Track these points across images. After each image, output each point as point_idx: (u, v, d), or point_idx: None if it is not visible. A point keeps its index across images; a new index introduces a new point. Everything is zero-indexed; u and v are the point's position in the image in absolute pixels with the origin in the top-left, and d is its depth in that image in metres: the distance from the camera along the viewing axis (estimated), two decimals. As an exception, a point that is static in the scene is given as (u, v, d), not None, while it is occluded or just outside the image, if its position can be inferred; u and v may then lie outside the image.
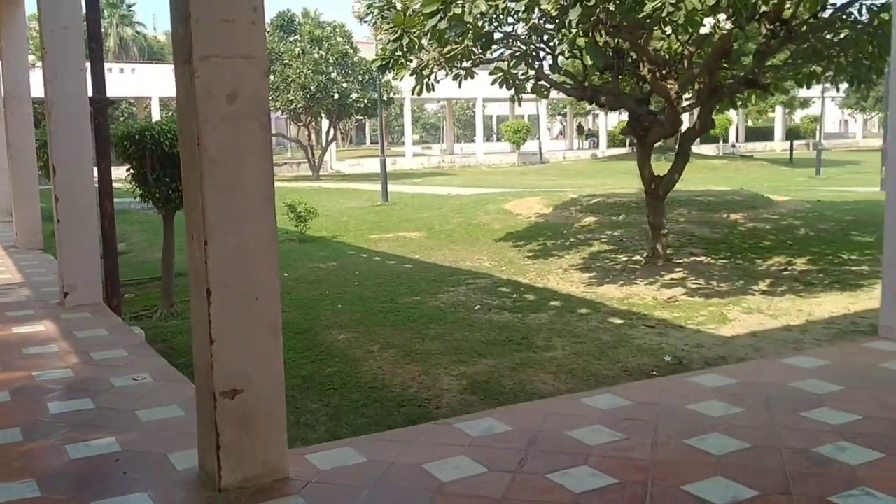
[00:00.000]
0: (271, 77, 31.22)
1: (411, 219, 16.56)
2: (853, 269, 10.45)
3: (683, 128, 11.12)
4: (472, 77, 11.32)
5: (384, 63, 10.38)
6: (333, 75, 30.44)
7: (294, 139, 40.12)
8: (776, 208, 15.09)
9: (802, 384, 4.32)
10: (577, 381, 6.26)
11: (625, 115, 39.85)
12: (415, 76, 10.31)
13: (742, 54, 10.24)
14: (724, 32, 9.05)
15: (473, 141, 50.70)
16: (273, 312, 3.11)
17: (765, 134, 55.32)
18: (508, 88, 11.19)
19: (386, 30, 9.63)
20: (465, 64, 10.75)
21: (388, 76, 11.62)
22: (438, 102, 63.25)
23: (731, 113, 45.01)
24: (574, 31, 7.45)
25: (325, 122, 34.32)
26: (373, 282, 10.52)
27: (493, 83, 11.20)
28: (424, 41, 9.81)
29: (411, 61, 10.24)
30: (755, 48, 10.28)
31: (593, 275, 10.61)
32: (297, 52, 30.87)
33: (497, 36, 9.76)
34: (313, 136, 39.38)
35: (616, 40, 9.26)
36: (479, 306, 8.92)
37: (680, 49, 10.29)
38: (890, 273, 5.50)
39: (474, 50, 9.64)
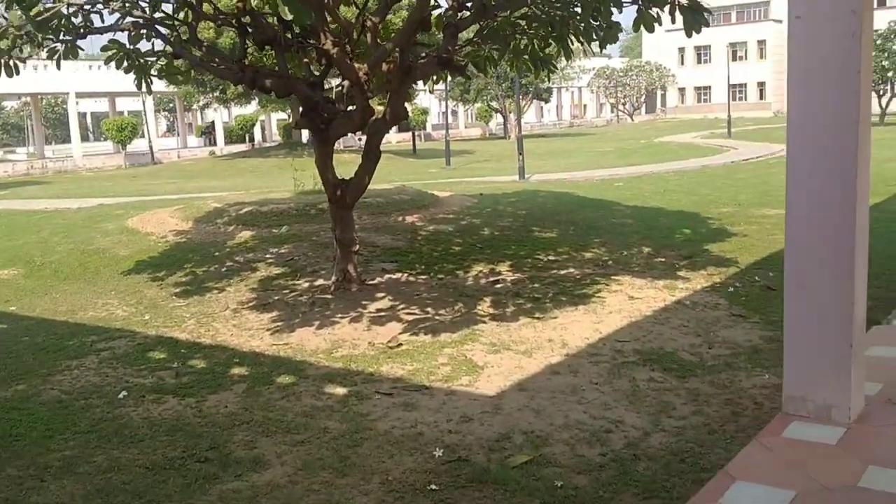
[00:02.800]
0: None
1: (-3, 249, 12.32)
2: (562, 273, 9.29)
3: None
4: (76, 55, 8.02)
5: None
6: None
7: None
8: (446, 206, 13.81)
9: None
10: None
11: (247, 109, 36.90)
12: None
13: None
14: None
15: (68, 142, 43.89)
16: None
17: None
18: (128, 70, 8.15)
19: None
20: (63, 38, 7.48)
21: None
22: (19, 98, 54.16)
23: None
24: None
25: None
26: (-58, 365, 6.82)
27: (107, 62, 8.04)
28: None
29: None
30: (445, 22, 8.54)
31: (276, 315, 8.06)
32: None
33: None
34: None
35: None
36: (124, 392, 5.92)
37: (359, 20, 8.14)
38: (794, 335, 3.96)
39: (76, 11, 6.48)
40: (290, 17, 4.60)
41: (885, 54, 41.66)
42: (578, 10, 8.56)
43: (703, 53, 77.50)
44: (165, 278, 9.94)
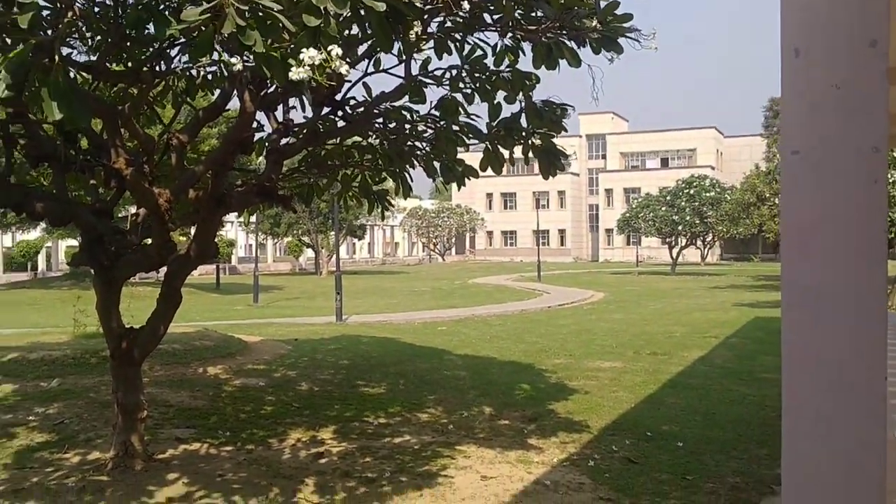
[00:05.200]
0: None
1: None
2: (398, 441, 7.95)
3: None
4: None
5: None
6: None
7: None
8: (256, 354, 12.17)
9: None
10: None
11: (31, 234, 33.39)
12: None
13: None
14: (248, 112, 5.86)
15: None
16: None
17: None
18: None
19: None
20: None
21: None
22: None
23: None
24: None
25: None
26: None
27: None
28: None
29: None
30: (266, 145, 7.36)
31: (27, 509, 6.06)
32: None
33: None
34: None
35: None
36: None
37: (163, 137, 6.77)
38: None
39: None
40: (58, 116, 3.20)
41: (675, 209, 45.19)
42: (420, 144, 7.74)
43: (508, 199, 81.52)
44: None
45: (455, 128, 7.10)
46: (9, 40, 3.84)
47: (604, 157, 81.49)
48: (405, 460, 7.27)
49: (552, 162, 6.90)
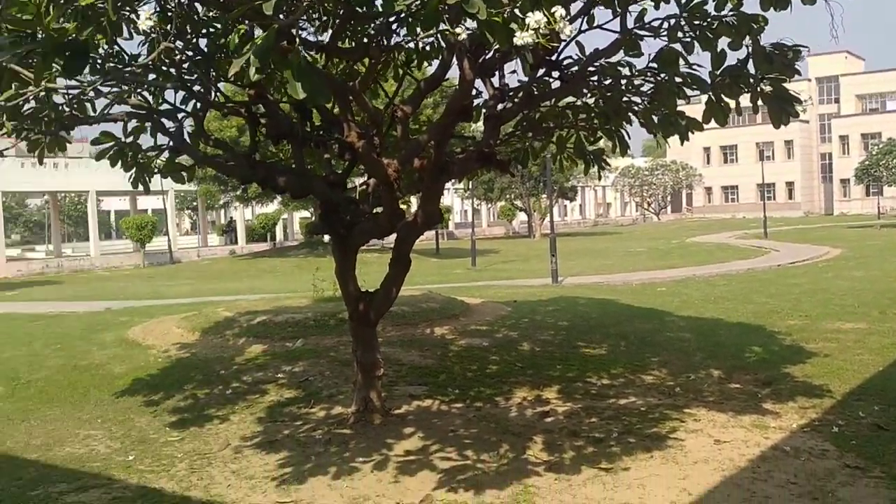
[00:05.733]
0: None
1: (-17, 363, 11.09)
2: (623, 403, 7.88)
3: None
4: (63, 148, 6.96)
5: None
6: None
7: None
8: (478, 315, 12.52)
9: None
10: None
11: (269, 207, 36.25)
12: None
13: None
14: (468, 80, 5.96)
15: (88, 240, 43.41)
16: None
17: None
18: (126, 168, 7.07)
19: None
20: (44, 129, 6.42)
21: None
22: (42, 196, 54.35)
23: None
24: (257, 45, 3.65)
25: None
26: None
27: (98, 157, 7.00)
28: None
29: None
30: (483, 111, 7.46)
31: (285, 456, 6.68)
32: None
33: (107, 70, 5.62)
34: None
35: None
36: (82, 580, 4.52)
37: (389, 109, 7.06)
38: None
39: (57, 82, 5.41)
40: (301, 95, 3.44)
41: None
42: (638, 99, 7.50)
43: (728, 152, 77.21)
44: (161, 402, 8.64)
45: (677, 79, 6.81)
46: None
47: (837, 101, 74.68)
48: (632, 422, 7.21)
49: (784, 109, 6.43)
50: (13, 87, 5.60)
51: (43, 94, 5.87)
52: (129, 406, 8.63)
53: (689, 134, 7.35)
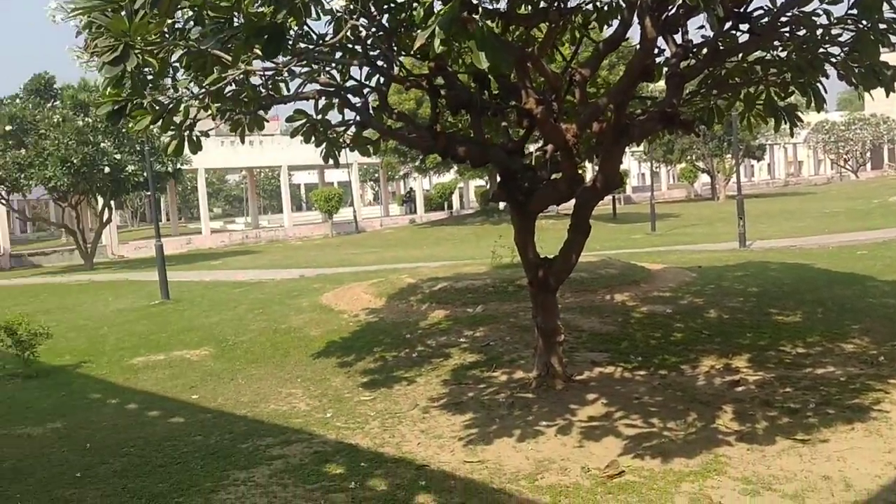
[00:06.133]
0: (22, 151, 25.52)
1: (196, 326, 12.18)
2: (820, 373, 7.46)
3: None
4: (261, 127, 7.44)
5: (116, 106, 6.27)
6: (104, 145, 25.24)
7: (58, 223, 33.94)
8: (660, 281, 12.20)
9: None
10: None
11: (446, 177, 36.92)
12: (163, 125, 6.24)
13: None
14: (651, 38, 5.79)
15: (282, 212, 46.28)
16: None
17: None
18: (318, 144, 7.45)
19: (100, 46, 5.51)
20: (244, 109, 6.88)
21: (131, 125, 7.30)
22: (240, 172, 58.42)
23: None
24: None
25: (101, 201, 28.76)
26: (108, 466, 6.22)
27: (293, 134, 7.43)
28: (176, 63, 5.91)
29: (156, 99, 6.19)
30: (665, 70, 7.20)
31: (470, 418, 6.89)
32: (55, 120, 25.42)
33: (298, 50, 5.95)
34: (88, 217, 33.50)
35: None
36: (291, 525, 4.91)
37: (566, 73, 6.99)
38: None
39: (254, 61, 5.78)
40: (485, 64, 3.49)
41: None
42: (836, 50, 6.96)
43: (939, 102, 69.90)
44: (353, 364, 9.14)
45: (880, 26, 6.26)
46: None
47: None
48: (831, 392, 6.82)
49: None
50: (216, 71, 6.07)
51: (242, 76, 6.33)
52: (325, 367, 9.19)
53: (894, 85, 6.77)
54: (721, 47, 7.00)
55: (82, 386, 9.36)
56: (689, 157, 50.60)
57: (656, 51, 6.82)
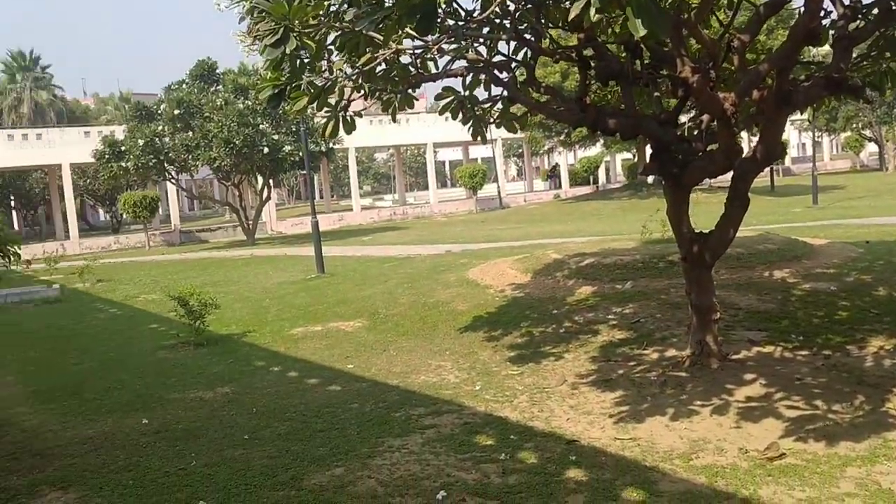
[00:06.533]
0: (189, 133, 27.26)
1: (349, 299, 12.66)
2: None
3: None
4: (411, 105, 7.58)
5: (276, 90, 6.58)
6: (262, 127, 26.58)
7: (223, 201, 36.05)
8: (823, 258, 11.52)
9: None
10: None
11: (591, 151, 36.36)
12: (318, 106, 6.49)
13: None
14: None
15: (427, 189, 47.11)
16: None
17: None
18: (465, 121, 7.49)
19: (262, 30, 5.79)
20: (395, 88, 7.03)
21: (290, 107, 7.63)
22: (388, 150, 59.87)
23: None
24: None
25: (260, 180, 30.34)
26: (273, 430, 6.61)
27: (442, 111, 7.51)
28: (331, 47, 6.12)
29: (312, 81, 6.43)
30: (832, 32, 6.74)
31: (620, 395, 6.81)
32: (218, 104, 26.98)
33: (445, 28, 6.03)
34: (249, 195, 35.40)
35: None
36: (443, 493, 5.04)
37: (723, 39, 6.68)
38: None
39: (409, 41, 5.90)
40: (642, 32, 3.39)
41: None
42: None
43: None
44: (500, 338, 9.22)
45: None
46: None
47: None
48: None
49: None
50: (368, 52, 6.24)
51: (392, 55, 6.47)
52: (472, 340, 9.33)
53: None
54: (894, 7, 6.49)
55: (247, 354, 9.95)
56: (854, 126, 47.30)
57: (822, 12, 6.41)
